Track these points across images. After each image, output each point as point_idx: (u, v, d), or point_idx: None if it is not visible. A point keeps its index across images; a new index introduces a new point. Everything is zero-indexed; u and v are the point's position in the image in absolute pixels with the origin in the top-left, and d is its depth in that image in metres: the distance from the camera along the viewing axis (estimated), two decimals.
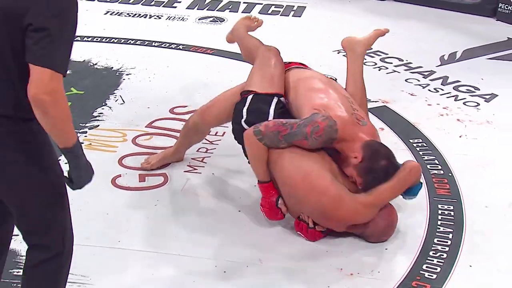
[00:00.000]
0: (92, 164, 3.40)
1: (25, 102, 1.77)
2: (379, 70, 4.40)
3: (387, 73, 4.36)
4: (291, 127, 2.65)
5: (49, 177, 1.93)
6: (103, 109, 3.80)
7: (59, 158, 1.98)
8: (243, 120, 2.82)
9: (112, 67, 4.34)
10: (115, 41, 4.77)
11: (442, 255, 2.68)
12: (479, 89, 4.11)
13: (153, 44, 4.73)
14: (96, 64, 4.39)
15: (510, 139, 3.58)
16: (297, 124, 2.65)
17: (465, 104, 3.93)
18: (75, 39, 1.85)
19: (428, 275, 2.57)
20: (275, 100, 2.85)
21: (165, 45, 4.72)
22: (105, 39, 4.78)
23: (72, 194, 3.01)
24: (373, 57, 4.58)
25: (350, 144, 2.64)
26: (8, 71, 1.81)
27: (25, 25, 1.75)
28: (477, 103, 3.95)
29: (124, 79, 4.17)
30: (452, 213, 2.94)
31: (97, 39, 4.79)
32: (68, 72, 4.68)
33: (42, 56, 1.74)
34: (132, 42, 4.75)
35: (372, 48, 4.68)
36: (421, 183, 2.78)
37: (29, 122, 1.85)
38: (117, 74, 4.25)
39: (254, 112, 2.82)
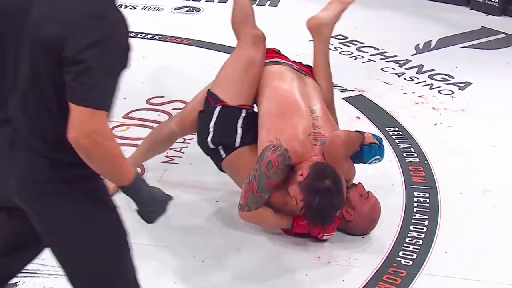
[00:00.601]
0: None
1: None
2: (355, 59, 4.42)
3: (363, 62, 4.38)
4: (254, 177, 2.58)
5: (103, 229, 1.73)
6: None
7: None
8: (209, 138, 2.76)
9: None
10: None
11: (418, 241, 2.71)
12: (454, 78, 4.15)
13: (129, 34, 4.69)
14: None
15: (484, 126, 3.63)
16: (256, 170, 2.58)
17: (440, 93, 3.97)
18: (124, 69, 1.63)
19: (405, 261, 2.60)
20: (243, 114, 2.77)
21: (140, 35, 4.69)
22: None
23: None
24: (349, 46, 4.60)
25: (301, 164, 2.58)
26: (51, 112, 1.63)
27: (64, 58, 1.55)
28: (452, 91, 3.99)
29: None
30: (427, 200, 2.98)
31: None
32: None
33: (80, 93, 1.54)
34: None
35: (348, 38, 4.73)
36: (372, 144, 2.74)
37: (80, 166, 1.64)
38: None
39: (222, 131, 2.75)
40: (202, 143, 2.84)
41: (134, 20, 5.23)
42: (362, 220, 2.69)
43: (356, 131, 2.75)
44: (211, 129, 2.76)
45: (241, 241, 2.70)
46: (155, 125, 3.53)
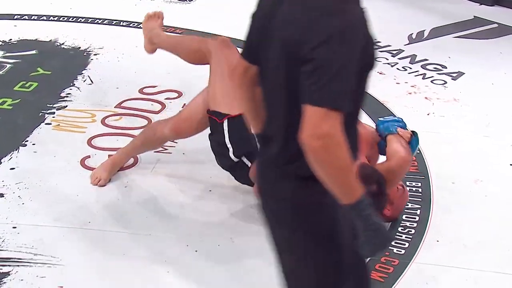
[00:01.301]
0: (61, 145, 3.37)
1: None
2: None
3: None
4: None
5: (331, 256, 1.64)
6: (71, 89, 3.76)
7: None
8: (231, 153, 2.68)
9: (80, 47, 4.28)
10: (82, 20, 4.70)
11: (410, 231, 2.72)
12: (446, 67, 4.16)
13: (121, 23, 4.68)
14: (63, 44, 4.33)
15: (476, 116, 3.64)
16: None
17: (432, 82, 3.98)
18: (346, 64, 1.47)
19: (397, 250, 2.62)
20: None
21: (133, 24, 4.67)
22: (72, 19, 4.72)
23: (41, 176, 3.01)
24: None
25: None
26: (286, 118, 1.57)
27: (299, 58, 1.49)
28: (444, 81, 4.00)
29: (92, 59, 4.12)
30: (420, 189, 2.99)
31: (63, 19, 4.72)
32: (34, 52, 4.61)
33: (312, 93, 1.46)
34: (99, 21, 4.69)
35: None
36: (411, 139, 2.75)
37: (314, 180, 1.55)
38: (85, 54, 4.20)
39: (239, 141, 2.67)
40: (224, 161, 2.74)
41: (127, 9, 5.27)
42: (397, 213, 2.74)
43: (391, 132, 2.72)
44: (229, 145, 2.68)
45: (234, 231, 2.71)
46: (147, 114, 3.53)
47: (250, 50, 1.67)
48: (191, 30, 4.56)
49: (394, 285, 2.46)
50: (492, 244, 2.70)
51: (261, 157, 1.71)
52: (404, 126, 2.80)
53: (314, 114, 1.45)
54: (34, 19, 4.72)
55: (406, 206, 2.87)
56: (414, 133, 2.78)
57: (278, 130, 1.62)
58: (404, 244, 2.65)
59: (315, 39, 1.47)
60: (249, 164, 2.68)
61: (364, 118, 3.51)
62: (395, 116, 2.87)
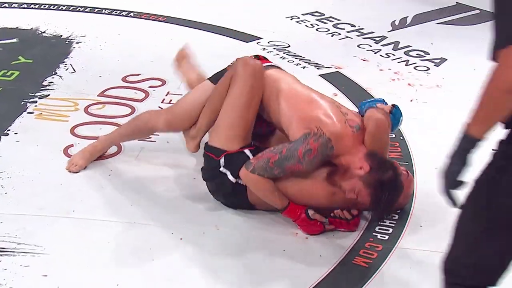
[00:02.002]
0: (43, 134, 3.36)
1: None
2: (331, 36, 4.42)
3: (339, 39, 4.39)
4: (280, 151, 2.49)
5: None
6: (53, 78, 3.73)
7: None
8: (229, 175, 2.63)
9: (61, 35, 4.25)
10: (64, 8, 4.67)
11: (394, 216, 2.74)
12: (429, 54, 4.18)
13: (104, 11, 4.64)
14: (44, 32, 4.29)
15: (459, 102, 3.65)
16: (286, 148, 2.48)
17: (415, 69, 4.00)
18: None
19: (381, 236, 2.63)
20: (248, 154, 2.63)
21: (116, 12, 4.64)
22: (54, 6, 4.68)
23: (24, 165, 2.99)
24: (325, 23, 4.60)
25: (348, 156, 2.49)
26: None
27: None
28: (427, 67, 4.02)
29: (74, 48, 4.09)
30: None
31: (44, 6, 4.67)
32: (15, 40, 4.58)
33: None
34: (81, 9, 4.65)
35: (324, 14, 4.72)
36: (392, 110, 2.67)
37: None
38: (67, 42, 4.17)
39: (236, 168, 2.60)
40: (220, 187, 2.69)
41: None
42: (407, 200, 2.74)
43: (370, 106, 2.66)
44: (225, 170, 2.64)
45: (219, 219, 2.71)
46: (131, 103, 3.51)
47: None
48: (174, 17, 4.54)
49: (378, 270, 2.47)
50: None
51: None
52: (384, 104, 2.74)
53: None
54: (14, 7, 4.67)
55: None
56: (395, 106, 2.70)
57: None
58: (388, 230, 2.67)
59: None
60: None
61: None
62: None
